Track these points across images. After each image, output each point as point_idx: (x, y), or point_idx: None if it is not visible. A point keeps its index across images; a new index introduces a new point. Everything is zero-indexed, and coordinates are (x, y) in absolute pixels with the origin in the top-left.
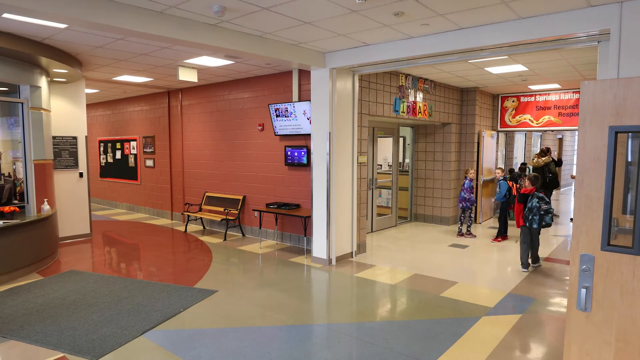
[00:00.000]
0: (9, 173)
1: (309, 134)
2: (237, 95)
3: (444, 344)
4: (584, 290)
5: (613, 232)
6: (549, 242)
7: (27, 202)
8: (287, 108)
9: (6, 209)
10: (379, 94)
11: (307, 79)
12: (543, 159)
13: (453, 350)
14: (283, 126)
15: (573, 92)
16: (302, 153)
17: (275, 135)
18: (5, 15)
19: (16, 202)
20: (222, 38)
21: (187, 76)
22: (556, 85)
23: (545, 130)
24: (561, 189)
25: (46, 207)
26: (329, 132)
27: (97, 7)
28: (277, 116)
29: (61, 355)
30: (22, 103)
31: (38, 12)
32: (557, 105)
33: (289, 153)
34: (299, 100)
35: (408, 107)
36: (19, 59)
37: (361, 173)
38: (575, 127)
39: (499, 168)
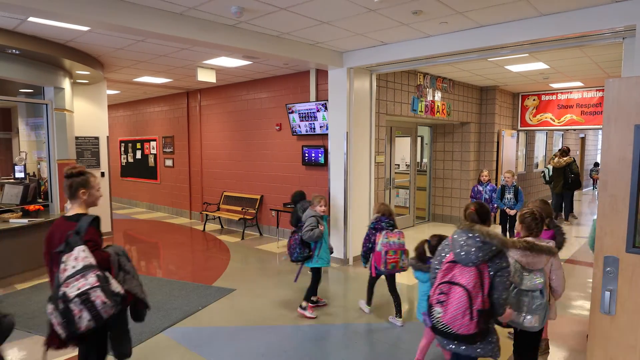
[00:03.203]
0: (33, 172)
1: (327, 134)
2: (254, 96)
3: None
4: (607, 293)
5: (638, 233)
6: (571, 243)
7: (51, 201)
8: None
9: (31, 207)
10: (396, 93)
11: (325, 78)
12: (565, 158)
13: None
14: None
15: (596, 90)
16: (320, 153)
17: (293, 135)
18: (31, 18)
19: (40, 200)
20: (240, 39)
21: (206, 77)
22: (579, 83)
23: (567, 129)
24: (583, 189)
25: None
26: (347, 132)
27: (119, 9)
28: (297, 116)
29: None
30: (46, 104)
31: (61, 15)
32: (579, 103)
33: (306, 153)
34: (317, 100)
35: (426, 106)
36: (43, 61)
37: (378, 173)
38: (599, 126)
39: (509, 171)
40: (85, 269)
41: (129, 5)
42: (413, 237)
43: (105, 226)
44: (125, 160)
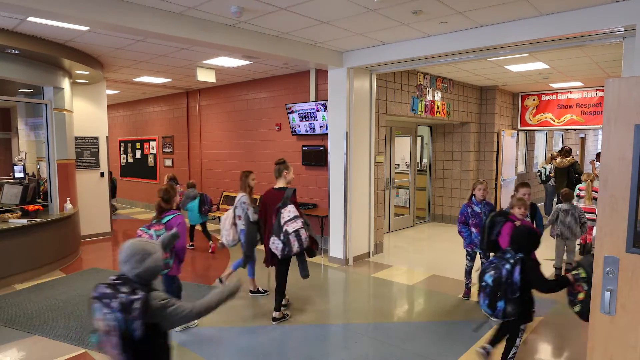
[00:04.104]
0: (33, 172)
1: (326, 134)
2: (254, 96)
3: (463, 345)
4: (608, 293)
5: (638, 233)
6: None
7: (51, 201)
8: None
9: (31, 207)
10: (396, 93)
11: (325, 78)
12: (567, 159)
13: (472, 352)
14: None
15: (596, 90)
16: (319, 153)
17: (293, 135)
18: (30, 18)
19: (40, 201)
20: (240, 38)
21: (206, 77)
22: (579, 83)
23: (567, 129)
24: None
25: (69, 206)
26: (346, 132)
27: (119, 9)
28: (297, 115)
29: (83, 351)
30: (46, 104)
31: (61, 15)
32: (579, 103)
33: (306, 153)
34: (316, 100)
35: (426, 106)
36: (43, 61)
37: (378, 173)
38: (599, 126)
39: (522, 183)
40: (296, 217)
41: (128, 5)
42: (413, 237)
43: (104, 226)
44: (124, 160)
